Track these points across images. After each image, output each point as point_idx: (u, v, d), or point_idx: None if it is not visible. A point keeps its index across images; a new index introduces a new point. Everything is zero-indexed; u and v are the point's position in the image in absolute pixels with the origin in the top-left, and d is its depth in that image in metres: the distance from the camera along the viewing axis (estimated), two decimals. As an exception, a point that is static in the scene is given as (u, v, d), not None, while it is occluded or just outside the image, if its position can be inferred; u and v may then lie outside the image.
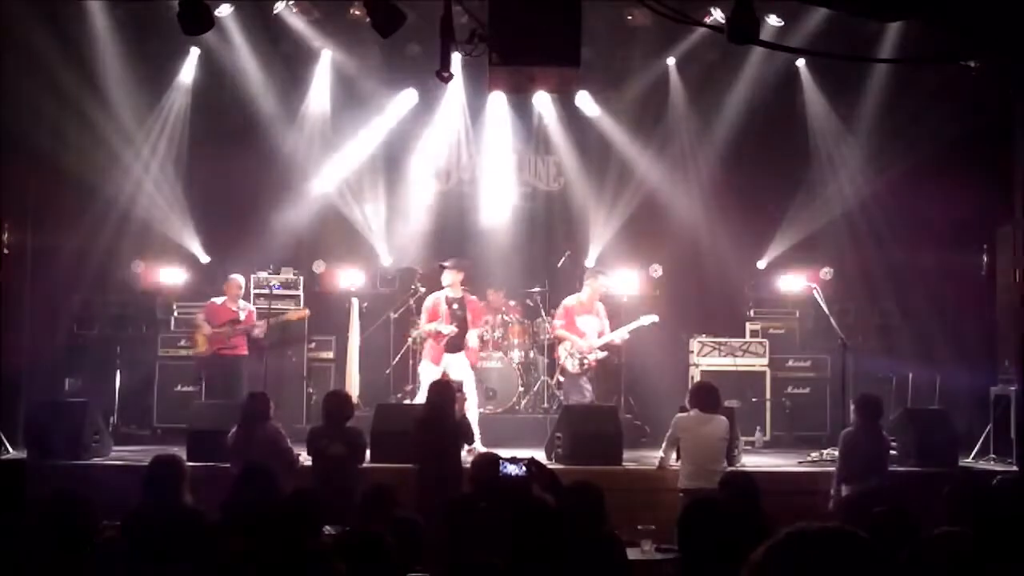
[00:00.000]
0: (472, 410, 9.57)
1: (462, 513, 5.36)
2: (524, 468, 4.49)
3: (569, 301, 10.33)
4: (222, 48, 11.64)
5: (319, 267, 12.00)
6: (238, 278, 10.84)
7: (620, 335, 10.33)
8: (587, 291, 10.29)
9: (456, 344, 9.97)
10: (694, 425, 7.94)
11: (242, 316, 10.64)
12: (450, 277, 10.10)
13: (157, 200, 11.73)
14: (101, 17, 10.96)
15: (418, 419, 8.00)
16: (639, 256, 12.05)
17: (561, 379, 10.60)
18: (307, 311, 11.08)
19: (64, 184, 11.05)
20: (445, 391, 8.11)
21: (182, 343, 11.28)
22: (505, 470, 4.49)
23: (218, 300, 10.72)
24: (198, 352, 10.67)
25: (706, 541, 4.24)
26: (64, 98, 10.64)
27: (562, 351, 10.29)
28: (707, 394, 8.11)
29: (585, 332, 10.19)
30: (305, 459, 8.03)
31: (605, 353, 10.33)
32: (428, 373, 9.77)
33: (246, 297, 11.16)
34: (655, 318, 10.38)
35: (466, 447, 8.28)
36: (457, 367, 9.90)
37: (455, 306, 10.05)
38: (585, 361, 10.17)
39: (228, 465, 7.50)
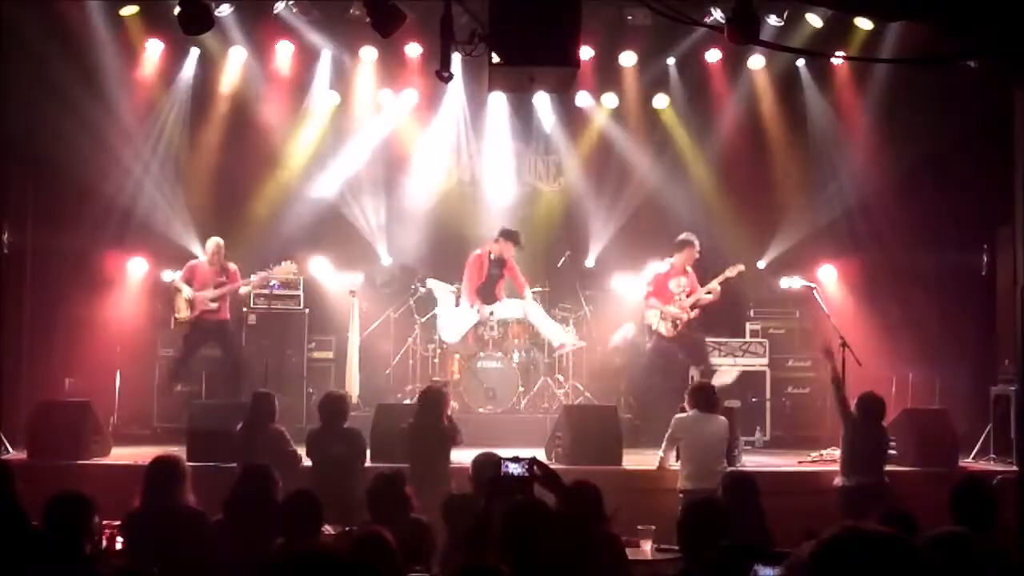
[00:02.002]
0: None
1: (461, 513, 5.36)
2: (526, 467, 4.48)
3: (660, 267, 10.64)
4: (222, 48, 11.64)
5: (319, 267, 11.99)
6: (217, 240, 10.72)
7: (712, 288, 10.49)
8: (678, 258, 10.53)
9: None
10: (693, 425, 7.95)
11: (223, 278, 10.59)
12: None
13: (157, 200, 11.72)
14: (101, 17, 10.95)
15: (408, 424, 8.05)
16: (639, 256, 12.03)
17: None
18: (295, 267, 10.88)
19: (64, 184, 11.05)
20: (434, 396, 8.15)
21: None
22: (507, 469, 4.47)
23: (196, 262, 10.68)
24: (179, 318, 10.60)
25: (706, 541, 4.24)
26: (64, 98, 10.63)
27: (652, 316, 10.47)
28: (705, 394, 8.13)
29: (675, 293, 10.44)
30: (306, 460, 8.05)
31: (696, 312, 10.49)
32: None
33: (246, 296, 11.20)
34: (741, 267, 10.60)
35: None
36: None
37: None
38: (678, 322, 10.34)
39: (229, 465, 7.49)
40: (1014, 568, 2.44)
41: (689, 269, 10.62)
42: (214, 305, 10.48)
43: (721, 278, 10.48)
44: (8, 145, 10.36)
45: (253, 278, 10.65)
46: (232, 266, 10.72)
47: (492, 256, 10.92)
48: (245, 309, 11.36)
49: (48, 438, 8.94)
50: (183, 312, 10.53)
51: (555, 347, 11.05)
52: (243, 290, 10.74)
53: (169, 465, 5.80)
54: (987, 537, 3.25)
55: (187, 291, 10.48)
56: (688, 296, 10.46)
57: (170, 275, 11.35)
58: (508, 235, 10.93)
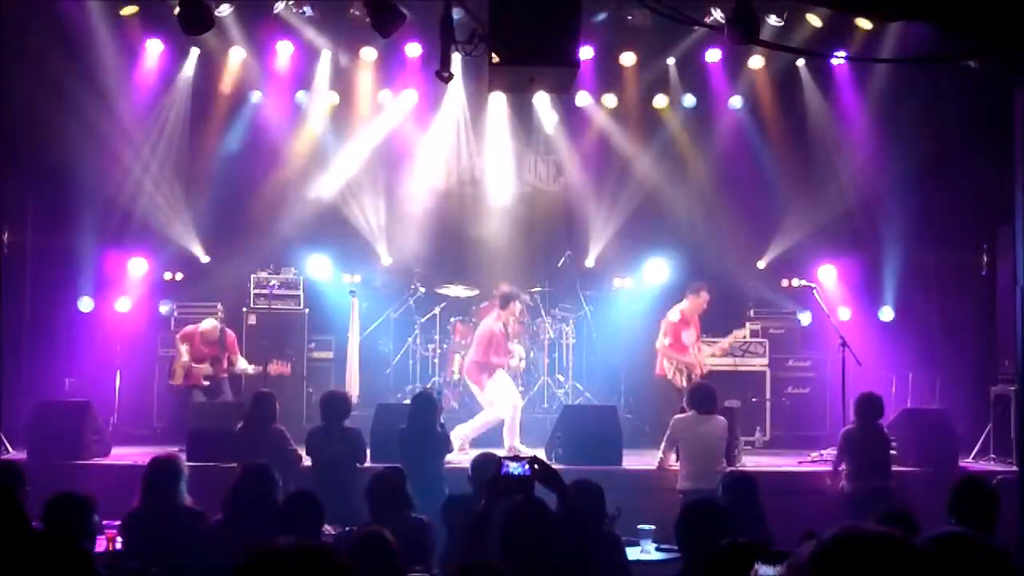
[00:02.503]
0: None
1: (460, 514, 5.36)
2: (526, 467, 4.46)
3: (673, 316, 10.23)
4: (222, 48, 11.64)
5: (319, 267, 11.98)
6: (215, 323, 10.41)
7: (723, 347, 10.52)
8: (688, 305, 10.27)
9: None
10: (692, 426, 7.95)
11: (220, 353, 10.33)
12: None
13: (157, 200, 11.72)
14: (101, 17, 10.95)
15: (400, 430, 8.05)
16: (639, 256, 12.03)
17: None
18: (288, 370, 10.61)
19: (64, 184, 11.05)
20: (426, 401, 8.15)
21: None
22: (507, 469, 4.46)
23: (193, 330, 10.36)
24: (173, 383, 10.35)
25: (706, 541, 4.24)
26: (64, 98, 10.63)
27: (668, 366, 10.20)
28: (703, 395, 8.12)
29: (688, 345, 10.20)
30: (306, 460, 8.06)
31: (709, 368, 10.35)
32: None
33: (246, 296, 11.25)
34: (747, 332, 10.67)
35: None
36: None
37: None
38: (693, 376, 10.10)
39: (229, 465, 7.50)
40: (1014, 569, 2.44)
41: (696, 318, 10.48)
42: (207, 383, 10.24)
43: (731, 339, 10.55)
44: (8, 145, 10.36)
45: (249, 369, 10.30)
46: (231, 334, 10.50)
47: (504, 326, 10.07)
48: (245, 310, 11.38)
49: (48, 438, 8.94)
50: (178, 378, 10.26)
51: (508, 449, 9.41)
52: (239, 367, 10.35)
53: (168, 465, 5.80)
54: (987, 537, 3.23)
55: (186, 357, 10.21)
56: (699, 351, 10.31)
57: (166, 305, 11.52)
58: (509, 298, 10.14)
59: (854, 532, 1.77)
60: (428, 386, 10.54)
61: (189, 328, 10.48)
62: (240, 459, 7.32)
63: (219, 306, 11.35)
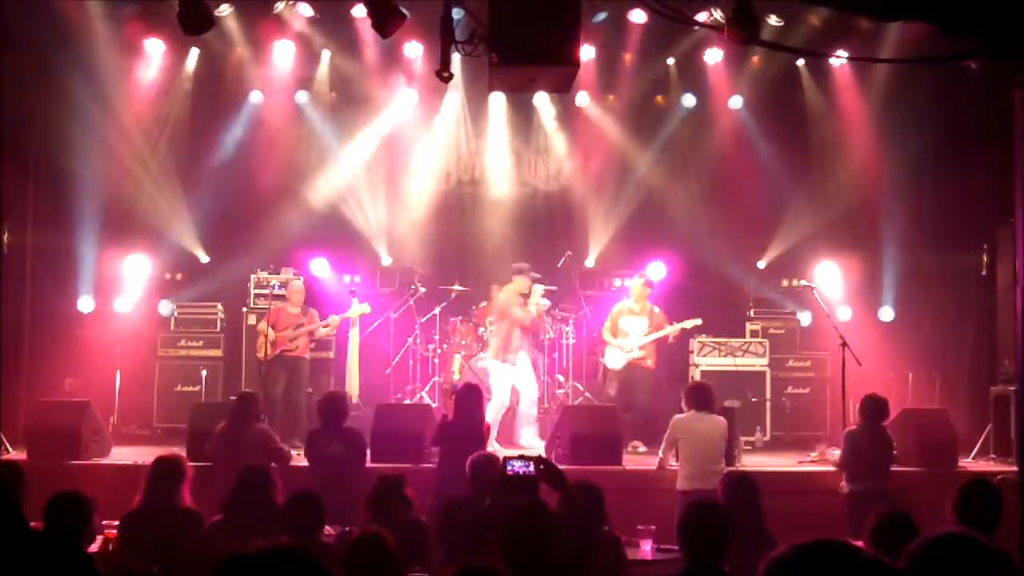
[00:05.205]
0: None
1: (462, 514, 5.36)
2: (532, 466, 4.44)
3: (616, 307, 10.82)
4: (222, 48, 11.64)
5: (319, 267, 11.98)
6: (297, 283, 10.87)
7: (669, 333, 10.55)
8: (631, 296, 10.77)
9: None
10: (691, 425, 7.93)
11: (303, 319, 10.64)
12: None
13: (157, 200, 11.72)
14: (101, 17, 10.95)
15: (443, 422, 8.00)
16: (639, 256, 12.03)
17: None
18: (367, 307, 11.03)
19: (64, 184, 11.05)
20: (474, 396, 8.12)
21: (182, 343, 11.31)
22: (513, 468, 4.43)
23: (279, 305, 10.71)
24: (259, 356, 10.64)
25: (706, 541, 4.24)
26: (64, 98, 10.63)
27: (607, 350, 10.68)
28: (699, 393, 8.09)
29: (629, 333, 10.54)
30: (302, 460, 8.05)
31: (642, 353, 10.51)
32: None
33: (246, 296, 11.25)
34: (698, 321, 10.68)
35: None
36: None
37: None
38: (623, 360, 10.53)
39: (204, 464, 7.49)
40: (1015, 570, 2.44)
41: (657, 310, 10.66)
42: (292, 345, 10.50)
43: (678, 328, 10.54)
44: (8, 145, 10.35)
45: (331, 326, 10.74)
46: (312, 310, 10.78)
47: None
48: (245, 309, 11.39)
49: (48, 438, 8.93)
50: (263, 351, 10.52)
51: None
52: (321, 331, 10.75)
53: (171, 465, 5.80)
54: (988, 538, 3.23)
55: (272, 334, 10.49)
56: (647, 335, 10.53)
57: (166, 305, 11.65)
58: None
59: (804, 544, 1.76)
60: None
61: (274, 307, 10.64)
62: (219, 460, 7.33)
63: (219, 306, 11.49)
